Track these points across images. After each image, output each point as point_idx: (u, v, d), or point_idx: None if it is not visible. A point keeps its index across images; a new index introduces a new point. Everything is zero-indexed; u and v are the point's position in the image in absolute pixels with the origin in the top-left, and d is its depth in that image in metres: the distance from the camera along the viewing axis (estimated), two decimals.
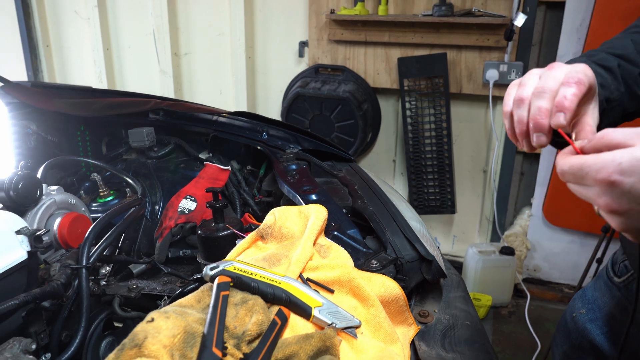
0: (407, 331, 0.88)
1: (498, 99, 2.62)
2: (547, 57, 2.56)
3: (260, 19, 3.09)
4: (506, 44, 2.45)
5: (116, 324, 1.08)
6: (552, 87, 0.58)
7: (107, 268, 1.17)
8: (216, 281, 0.71)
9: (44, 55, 3.64)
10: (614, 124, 0.79)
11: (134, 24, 3.38)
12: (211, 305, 0.66)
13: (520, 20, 2.27)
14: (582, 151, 0.53)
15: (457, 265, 2.88)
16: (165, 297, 1.06)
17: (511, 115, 0.64)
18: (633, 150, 0.46)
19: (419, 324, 0.91)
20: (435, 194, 2.81)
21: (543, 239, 2.74)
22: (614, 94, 0.73)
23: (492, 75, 2.51)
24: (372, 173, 1.29)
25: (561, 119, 0.56)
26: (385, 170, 3.05)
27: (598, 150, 0.50)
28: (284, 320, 0.70)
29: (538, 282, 2.80)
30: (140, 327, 0.60)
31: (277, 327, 0.67)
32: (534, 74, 0.63)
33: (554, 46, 2.44)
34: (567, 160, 0.51)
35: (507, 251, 2.62)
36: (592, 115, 0.62)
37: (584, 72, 0.60)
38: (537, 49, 2.56)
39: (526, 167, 2.82)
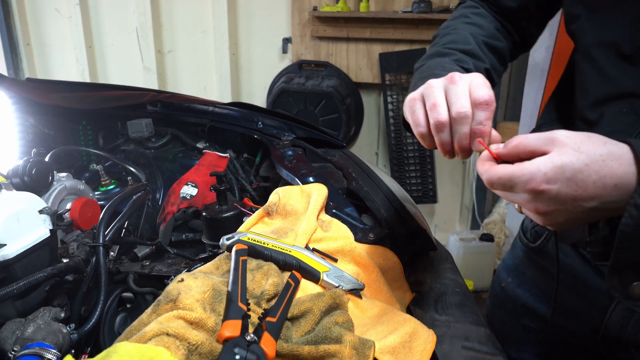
0: (403, 297, 0.96)
1: None
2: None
3: (244, 16, 3.14)
4: None
5: (128, 305, 1.14)
6: (467, 111, 0.61)
7: (112, 253, 1.22)
8: (234, 248, 0.77)
9: (24, 54, 3.62)
10: None
11: (116, 21, 3.40)
12: (232, 268, 0.73)
13: None
14: (499, 157, 0.57)
15: None
16: (172, 277, 1.12)
17: (429, 134, 0.66)
18: (554, 159, 0.51)
19: (413, 292, 0.99)
20: (417, 184, 2.91)
21: None
22: None
23: None
24: (363, 158, 1.37)
25: (481, 147, 0.61)
26: (368, 162, 3.13)
27: (515, 156, 0.55)
28: (297, 282, 0.77)
29: None
30: (172, 286, 0.66)
31: (291, 288, 0.74)
32: (437, 87, 0.65)
33: None
34: (495, 171, 0.55)
35: (487, 238, 2.74)
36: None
37: (485, 84, 0.63)
38: None
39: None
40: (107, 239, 0.98)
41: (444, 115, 0.63)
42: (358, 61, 2.89)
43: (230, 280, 0.70)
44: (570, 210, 0.52)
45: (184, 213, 1.30)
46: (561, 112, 0.83)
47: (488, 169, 0.56)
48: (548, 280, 0.89)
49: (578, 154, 0.50)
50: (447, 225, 3.14)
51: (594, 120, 0.71)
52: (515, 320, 0.98)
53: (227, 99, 3.26)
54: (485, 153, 0.59)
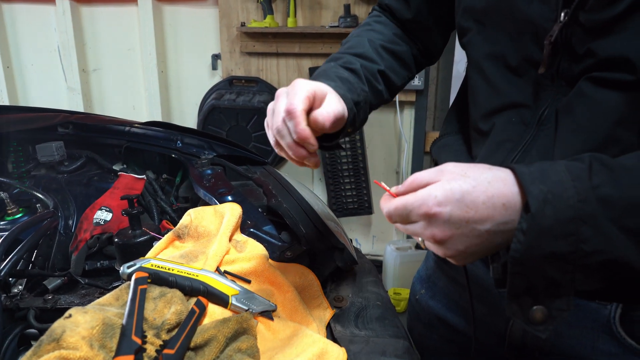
0: (323, 315, 0.94)
1: (404, 104, 2.79)
2: (446, 62, 2.76)
3: (171, 33, 3.08)
4: None
5: (33, 343, 1.06)
6: (279, 125, 0.68)
7: (20, 287, 1.14)
8: (134, 276, 0.73)
9: None
10: (364, 121, 0.87)
11: (36, 40, 3.25)
12: (129, 298, 0.68)
13: None
14: (398, 194, 0.58)
15: (378, 264, 3.01)
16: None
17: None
18: (443, 183, 0.53)
19: (334, 308, 0.97)
20: (352, 196, 2.93)
21: None
22: (361, 95, 0.80)
23: None
24: (285, 174, 1.36)
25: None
26: (303, 176, 3.13)
27: (413, 191, 0.56)
28: (202, 308, 0.73)
29: None
30: (57, 324, 0.61)
31: (195, 315, 0.70)
32: (280, 95, 0.70)
33: (452, 52, 2.64)
34: (391, 203, 0.57)
35: (421, 246, 2.78)
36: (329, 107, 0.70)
37: (296, 93, 0.67)
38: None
39: (434, 167, 3.01)
40: (2, 273, 0.90)
41: (278, 124, 0.68)
42: (289, 76, 2.89)
43: (127, 312, 0.66)
44: (467, 235, 0.53)
45: (98, 239, 1.24)
46: (461, 123, 0.85)
47: (386, 203, 0.58)
48: (457, 291, 0.89)
49: (465, 178, 0.53)
50: (385, 236, 3.17)
51: (486, 130, 0.72)
52: (433, 332, 0.97)
53: (157, 117, 3.17)
54: (386, 194, 0.61)
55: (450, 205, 0.52)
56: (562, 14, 0.60)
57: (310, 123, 0.68)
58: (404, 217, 0.56)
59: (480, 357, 0.87)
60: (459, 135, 0.85)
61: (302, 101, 0.66)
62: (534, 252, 0.50)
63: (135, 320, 0.64)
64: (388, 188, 0.61)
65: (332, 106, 0.70)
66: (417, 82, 2.66)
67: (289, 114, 0.66)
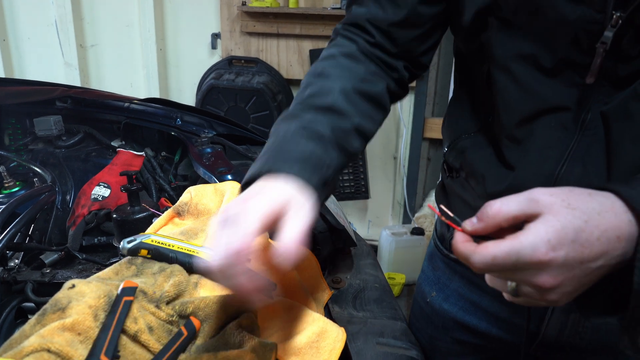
0: (322, 295, 0.94)
1: None
2: (446, 47, 2.75)
3: (171, 10, 3.04)
4: None
5: (30, 317, 1.06)
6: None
7: (17, 261, 1.14)
8: (122, 285, 0.65)
9: None
10: (333, 188, 0.74)
11: (33, 13, 3.20)
12: (109, 311, 0.61)
13: None
14: (476, 232, 0.49)
15: (373, 248, 3.02)
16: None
17: None
18: (552, 222, 0.45)
19: (332, 289, 0.97)
20: (350, 180, 2.92)
21: None
22: (329, 170, 0.66)
23: None
24: None
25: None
26: None
27: (497, 227, 0.48)
28: (192, 331, 0.64)
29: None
30: (62, 294, 0.61)
31: (182, 338, 0.63)
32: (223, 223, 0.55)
33: (451, 37, 2.61)
34: (487, 251, 0.47)
35: (418, 232, 2.79)
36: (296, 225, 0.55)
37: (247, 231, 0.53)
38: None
39: (432, 153, 3.01)
40: None
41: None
42: (289, 57, 2.86)
43: (102, 323, 0.59)
44: (578, 276, 0.47)
45: (96, 215, 1.23)
46: (480, 122, 0.77)
47: (475, 250, 0.48)
48: (474, 291, 0.85)
49: (573, 212, 0.46)
50: (380, 221, 3.18)
51: (522, 138, 0.66)
52: (446, 335, 0.92)
53: (154, 95, 3.15)
54: (459, 233, 0.50)
55: (565, 248, 0.45)
56: (615, 17, 0.55)
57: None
58: (507, 267, 0.47)
59: (498, 353, 0.85)
60: (480, 137, 0.76)
61: (254, 231, 0.54)
62: None
63: (110, 335, 0.57)
64: (459, 224, 0.50)
65: (296, 227, 0.54)
66: None
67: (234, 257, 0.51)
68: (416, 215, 2.98)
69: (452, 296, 0.89)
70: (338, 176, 0.71)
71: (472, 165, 0.75)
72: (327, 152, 0.66)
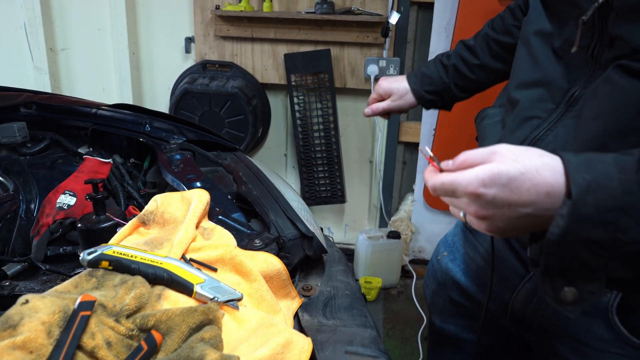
0: (291, 304, 0.93)
1: None
2: (421, 53, 2.76)
3: (143, 13, 3.00)
4: (384, 40, 2.61)
5: None
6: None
7: None
8: (79, 299, 0.64)
9: None
10: (460, 97, 1.18)
11: (1, 15, 3.12)
12: (62, 326, 0.60)
13: (394, 18, 2.43)
14: (445, 171, 0.61)
15: (350, 252, 3.02)
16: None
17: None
18: (491, 166, 0.55)
19: (302, 297, 0.96)
20: (326, 185, 2.92)
21: (425, 222, 2.95)
22: (439, 85, 1.13)
23: (373, 70, 2.66)
24: (257, 161, 1.34)
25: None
26: (277, 164, 3.11)
27: (462, 169, 0.58)
28: (152, 346, 0.64)
29: (423, 262, 3.01)
30: (14, 310, 0.59)
31: (142, 353, 0.62)
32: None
33: (427, 43, 2.64)
34: (438, 178, 0.59)
35: (394, 235, 2.80)
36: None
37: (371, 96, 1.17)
38: (412, 46, 2.75)
39: (407, 157, 3.02)
40: None
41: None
42: (264, 62, 2.84)
43: (56, 340, 0.57)
44: (508, 215, 0.56)
45: (61, 224, 1.20)
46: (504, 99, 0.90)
47: (432, 177, 0.61)
48: (476, 259, 0.96)
49: (515, 164, 0.54)
50: (357, 225, 3.17)
51: (517, 99, 0.77)
52: (444, 292, 1.06)
53: (128, 100, 3.09)
54: (430, 165, 0.64)
55: (495, 188, 0.54)
56: None
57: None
58: (448, 193, 0.59)
59: (486, 323, 0.92)
60: (498, 110, 0.93)
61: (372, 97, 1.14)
62: (571, 237, 0.52)
63: (64, 353, 0.56)
64: (436, 163, 0.62)
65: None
66: (392, 71, 2.66)
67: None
68: (392, 218, 2.98)
69: (458, 258, 1.03)
70: (453, 92, 1.16)
71: (483, 129, 0.92)
72: (440, 75, 1.15)
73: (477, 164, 0.56)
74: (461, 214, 0.62)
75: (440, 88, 1.15)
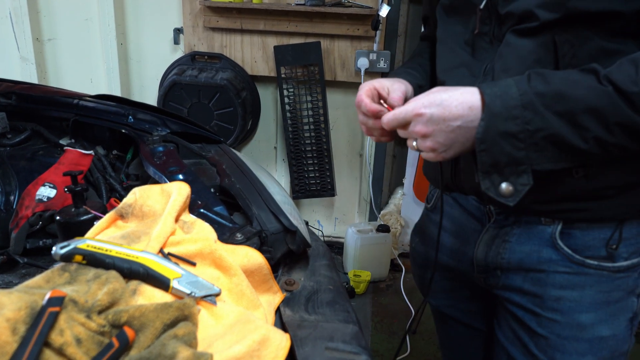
0: (273, 299, 0.92)
1: None
2: (411, 46, 2.75)
3: (131, 3, 2.95)
4: (374, 33, 2.59)
5: None
6: (362, 119, 0.94)
7: None
8: (48, 294, 0.61)
9: None
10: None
11: None
12: (31, 324, 0.58)
13: (384, 11, 2.41)
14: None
15: (339, 246, 3.01)
16: None
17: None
18: (429, 95, 0.75)
19: (284, 292, 0.95)
20: (315, 178, 2.90)
21: (415, 216, 2.93)
22: (423, 80, 1.06)
23: (363, 63, 2.64)
24: (241, 153, 1.32)
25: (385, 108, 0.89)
26: (267, 157, 3.09)
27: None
28: (124, 343, 0.61)
29: None
30: None
31: (112, 350, 0.60)
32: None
33: (417, 36, 2.61)
34: (392, 112, 0.79)
35: (383, 229, 2.79)
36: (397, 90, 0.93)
37: (361, 93, 0.92)
38: (402, 39, 2.73)
39: (397, 151, 3.01)
40: None
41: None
42: (253, 53, 2.81)
43: (22, 337, 0.55)
44: (444, 130, 0.73)
45: (40, 217, 1.18)
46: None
47: (387, 115, 0.81)
48: (439, 232, 1.05)
49: (444, 91, 0.75)
50: (347, 218, 3.16)
51: (444, 81, 0.94)
52: (425, 272, 1.16)
53: (116, 91, 3.06)
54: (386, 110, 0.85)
55: (433, 108, 0.73)
56: None
57: (390, 106, 0.87)
58: (400, 121, 0.78)
59: (460, 283, 1.09)
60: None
61: (364, 94, 0.90)
62: (491, 131, 0.71)
63: (30, 350, 0.54)
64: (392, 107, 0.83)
65: (397, 91, 0.91)
66: (382, 64, 2.64)
67: (357, 104, 0.90)
68: (382, 212, 2.98)
69: (425, 239, 1.15)
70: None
71: None
72: (420, 74, 1.06)
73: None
74: (413, 143, 0.78)
75: (423, 83, 1.12)
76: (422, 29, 1.23)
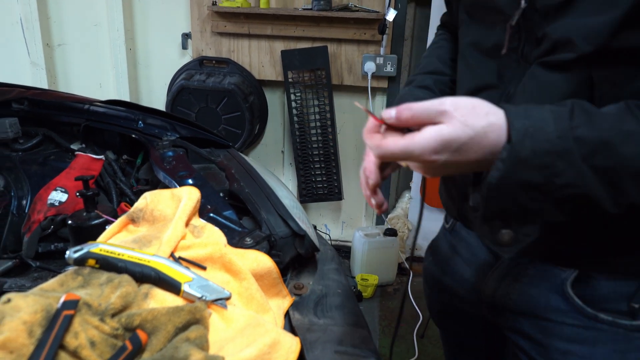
0: (282, 302, 0.92)
1: (376, 90, 2.77)
2: (418, 50, 2.75)
3: (140, 9, 2.98)
4: (381, 37, 2.60)
5: None
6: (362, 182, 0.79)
7: None
8: (62, 298, 0.63)
9: None
10: None
11: None
12: (44, 326, 0.59)
13: (391, 15, 2.42)
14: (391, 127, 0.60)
15: (347, 250, 3.01)
16: None
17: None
18: (442, 132, 0.55)
19: (293, 296, 0.96)
20: (322, 182, 2.91)
21: (422, 220, 2.94)
22: None
23: (370, 67, 2.65)
24: (250, 158, 1.33)
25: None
26: (274, 161, 3.10)
27: (408, 125, 0.58)
28: (137, 346, 0.63)
29: (419, 260, 3.00)
30: None
31: (126, 353, 0.61)
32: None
33: (424, 40, 2.63)
34: (387, 146, 0.58)
35: (390, 233, 2.79)
36: None
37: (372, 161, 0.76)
38: (409, 43, 2.74)
39: None
40: None
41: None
42: (260, 58, 2.83)
43: (38, 340, 0.56)
44: (451, 171, 0.59)
45: (52, 221, 1.19)
46: None
47: (379, 144, 0.58)
48: (454, 256, 0.99)
49: (464, 128, 0.55)
50: (354, 222, 3.17)
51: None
52: (436, 295, 1.08)
53: (124, 96, 3.08)
54: (370, 124, 0.60)
55: (447, 154, 0.56)
56: (523, 1, 0.67)
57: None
58: (401, 159, 0.60)
59: (468, 312, 0.99)
60: None
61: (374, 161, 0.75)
62: (510, 180, 0.55)
63: (46, 353, 0.55)
64: (375, 115, 0.59)
65: None
66: (389, 68, 2.65)
67: (365, 171, 0.76)
68: (389, 216, 2.98)
69: (439, 260, 1.05)
70: None
71: None
72: (432, 96, 0.89)
73: (424, 122, 0.57)
74: (403, 165, 0.66)
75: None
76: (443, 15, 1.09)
